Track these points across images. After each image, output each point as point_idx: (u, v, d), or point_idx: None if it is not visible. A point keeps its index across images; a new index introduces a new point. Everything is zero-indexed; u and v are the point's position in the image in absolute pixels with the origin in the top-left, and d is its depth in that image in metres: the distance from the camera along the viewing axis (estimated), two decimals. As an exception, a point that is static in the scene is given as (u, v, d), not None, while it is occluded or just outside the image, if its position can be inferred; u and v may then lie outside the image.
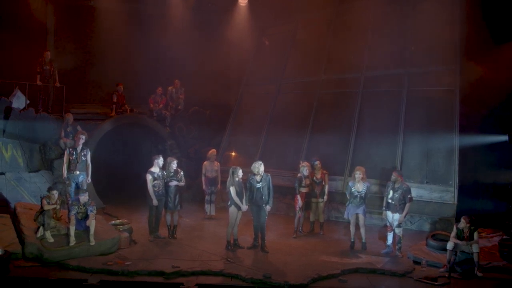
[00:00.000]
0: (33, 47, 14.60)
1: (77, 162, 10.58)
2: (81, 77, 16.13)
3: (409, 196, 9.56)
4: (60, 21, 15.94)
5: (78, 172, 10.62)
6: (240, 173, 9.63)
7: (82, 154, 10.67)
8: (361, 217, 9.97)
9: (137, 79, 16.24)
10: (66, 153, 10.72)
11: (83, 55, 16.28)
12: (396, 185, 9.70)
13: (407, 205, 9.57)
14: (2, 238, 8.83)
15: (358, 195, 9.92)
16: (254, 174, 9.66)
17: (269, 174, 9.80)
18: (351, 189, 10.00)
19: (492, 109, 12.18)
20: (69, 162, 10.60)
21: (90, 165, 10.85)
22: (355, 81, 14.20)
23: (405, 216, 9.73)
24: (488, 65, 12.30)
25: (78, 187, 10.53)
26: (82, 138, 10.72)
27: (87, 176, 10.81)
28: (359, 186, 9.93)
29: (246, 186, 9.76)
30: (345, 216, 10.28)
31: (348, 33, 14.70)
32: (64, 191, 11.77)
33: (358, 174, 9.95)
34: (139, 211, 12.54)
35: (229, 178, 9.63)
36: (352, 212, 10.02)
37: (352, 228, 10.08)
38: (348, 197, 10.10)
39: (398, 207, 9.60)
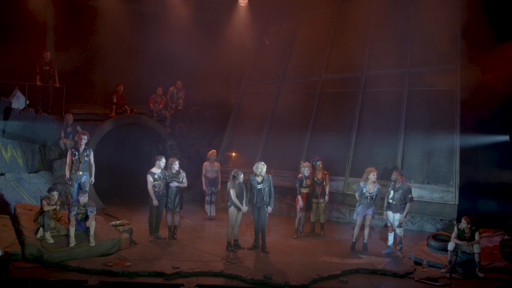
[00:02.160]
0: (33, 48, 14.58)
1: (80, 163, 10.51)
2: (81, 78, 16.10)
3: (409, 196, 9.54)
4: (60, 22, 15.91)
5: (81, 173, 10.56)
6: (241, 177, 9.58)
7: (85, 154, 10.60)
8: (369, 217, 9.93)
9: (137, 79, 16.22)
10: (68, 153, 10.65)
11: (83, 55, 16.25)
12: (397, 185, 9.67)
13: (408, 205, 9.55)
14: (2, 239, 8.80)
15: (369, 196, 9.85)
16: (256, 175, 9.63)
17: (270, 175, 9.77)
18: (362, 190, 9.89)
19: (493, 108, 12.15)
20: (72, 162, 10.56)
21: (93, 165, 10.75)
22: (356, 80, 14.19)
23: (405, 216, 9.70)
24: (489, 64, 12.27)
25: (81, 188, 10.47)
26: (84, 138, 10.63)
27: (91, 176, 10.75)
28: (371, 187, 9.86)
29: (247, 187, 9.74)
30: (354, 217, 10.16)
31: (349, 32, 14.68)
32: (64, 191, 11.77)
33: (373, 175, 9.82)
34: (139, 211, 12.54)
35: (229, 181, 9.60)
36: (362, 214, 9.92)
37: (357, 229, 10.02)
38: (358, 198, 10.02)
39: (399, 207, 9.58)
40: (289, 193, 13.42)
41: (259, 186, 9.56)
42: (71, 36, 16.05)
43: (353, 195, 11.54)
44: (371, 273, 8.64)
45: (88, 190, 10.19)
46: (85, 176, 10.62)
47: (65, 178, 10.80)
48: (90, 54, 16.37)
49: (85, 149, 10.63)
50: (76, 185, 10.54)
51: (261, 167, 9.58)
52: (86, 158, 10.59)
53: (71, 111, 13.60)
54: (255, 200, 9.59)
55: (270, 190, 9.62)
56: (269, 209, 9.65)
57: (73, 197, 10.32)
